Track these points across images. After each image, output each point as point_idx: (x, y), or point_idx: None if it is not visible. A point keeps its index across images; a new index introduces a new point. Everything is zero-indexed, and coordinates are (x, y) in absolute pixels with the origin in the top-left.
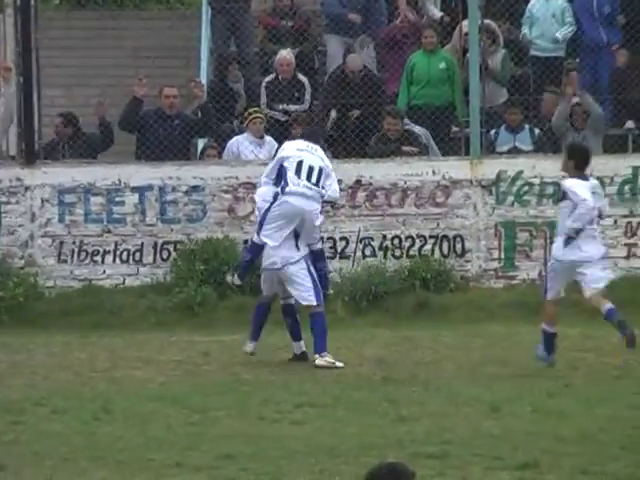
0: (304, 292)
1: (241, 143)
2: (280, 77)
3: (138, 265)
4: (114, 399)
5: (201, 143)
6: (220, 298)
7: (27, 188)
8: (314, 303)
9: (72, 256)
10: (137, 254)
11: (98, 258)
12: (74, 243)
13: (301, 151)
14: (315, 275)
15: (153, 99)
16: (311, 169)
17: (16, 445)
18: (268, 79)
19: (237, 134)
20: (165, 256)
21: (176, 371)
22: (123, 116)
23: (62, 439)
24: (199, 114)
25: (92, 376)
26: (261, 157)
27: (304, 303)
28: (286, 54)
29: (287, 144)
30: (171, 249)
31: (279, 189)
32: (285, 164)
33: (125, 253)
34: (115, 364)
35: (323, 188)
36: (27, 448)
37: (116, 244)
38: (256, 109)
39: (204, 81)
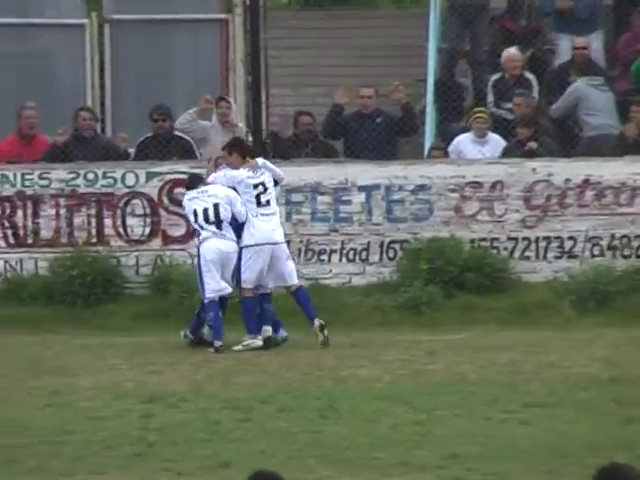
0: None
1: (464, 142)
2: (507, 75)
3: (364, 264)
4: (340, 398)
5: (428, 142)
6: (446, 297)
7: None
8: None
9: (299, 255)
10: (363, 253)
11: (325, 257)
12: (301, 242)
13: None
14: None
15: (382, 99)
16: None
17: (243, 443)
18: (495, 77)
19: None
20: (391, 255)
21: (402, 370)
22: (325, 124)
23: (288, 437)
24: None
25: (318, 375)
26: (486, 155)
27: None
28: (514, 51)
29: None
30: (397, 248)
31: None
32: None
33: (351, 252)
34: (341, 363)
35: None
36: (254, 446)
37: (342, 243)
38: (481, 109)
39: (431, 80)
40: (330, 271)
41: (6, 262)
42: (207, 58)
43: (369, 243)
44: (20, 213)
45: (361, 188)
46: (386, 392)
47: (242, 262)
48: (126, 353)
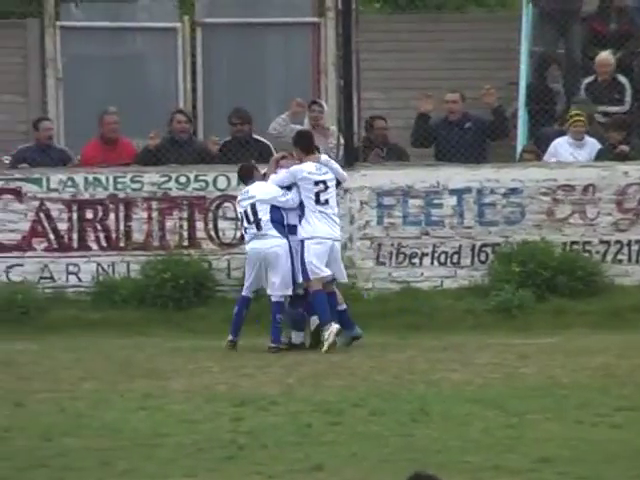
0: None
1: (561, 145)
2: (600, 78)
3: (456, 267)
4: (432, 401)
5: (519, 145)
6: (538, 301)
7: (346, 191)
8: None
9: (390, 258)
10: (455, 256)
11: (416, 260)
12: (392, 245)
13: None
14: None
15: (473, 102)
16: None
17: (335, 446)
18: (588, 80)
19: (558, 136)
20: (483, 258)
21: (493, 374)
22: (413, 134)
23: (380, 441)
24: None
25: (410, 378)
26: (580, 159)
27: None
28: (606, 55)
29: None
30: (489, 251)
31: None
32: None
33: (443, 255)
34: (432, 366)
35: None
36: (346, 449)
37: (434, 246)
38: (578, 112)
39: (523, 83)
40: (422, 274)
41: (98, 265)
42: (299, 61)
43: (460, 246)
44: (112, 216)
45: (452, 191)
46: (478, 395)
47: (304, 254)
48: (217, 356)
